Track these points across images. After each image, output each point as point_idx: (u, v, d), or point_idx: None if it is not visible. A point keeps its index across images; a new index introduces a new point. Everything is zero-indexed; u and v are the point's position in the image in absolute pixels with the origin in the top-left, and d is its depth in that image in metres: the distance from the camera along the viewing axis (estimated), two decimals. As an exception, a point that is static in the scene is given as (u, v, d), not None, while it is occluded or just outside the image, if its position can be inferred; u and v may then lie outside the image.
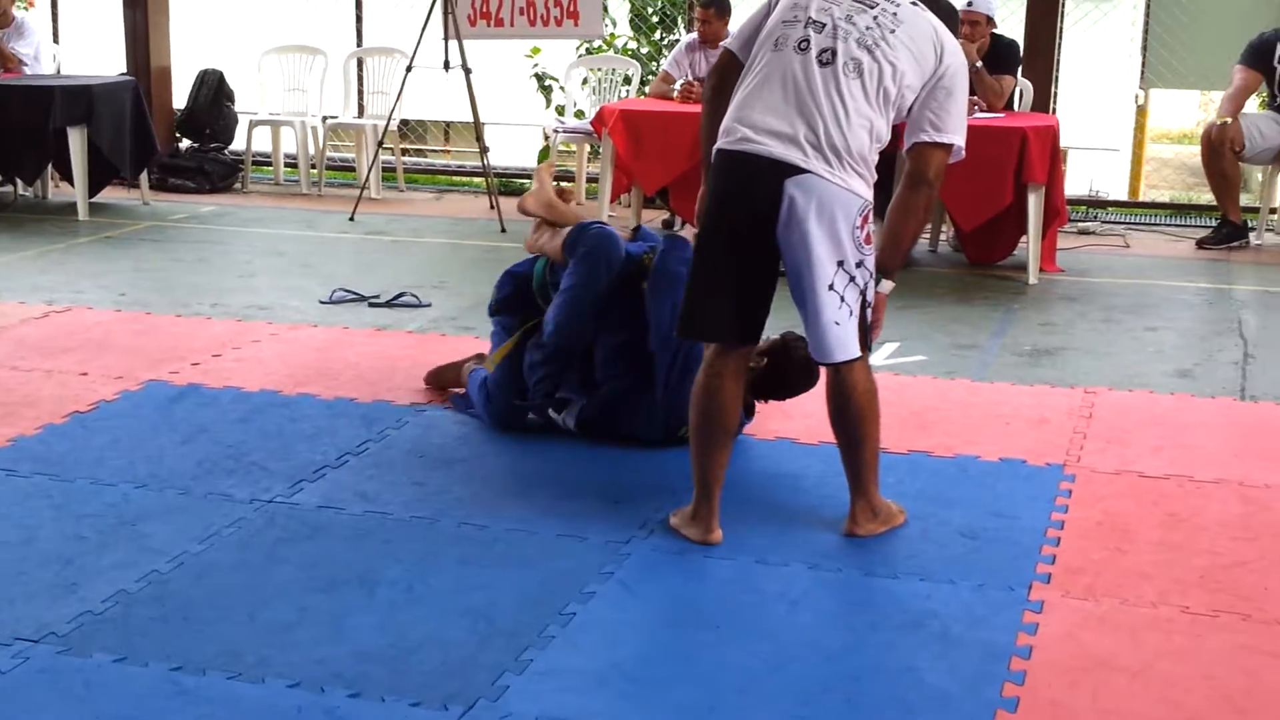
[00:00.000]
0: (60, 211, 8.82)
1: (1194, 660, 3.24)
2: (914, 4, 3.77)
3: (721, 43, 3.96)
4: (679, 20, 10.42)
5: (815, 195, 3.62)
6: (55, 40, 10.86)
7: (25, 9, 10.99)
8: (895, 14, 3.71)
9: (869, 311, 3.79)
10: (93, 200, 8.76)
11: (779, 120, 3.66)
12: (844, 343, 3.74)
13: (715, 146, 3.78)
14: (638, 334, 4.57)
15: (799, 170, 3.63)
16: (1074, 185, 9.37)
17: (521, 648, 3.22)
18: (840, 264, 3.67)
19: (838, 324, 3.70)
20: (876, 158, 3.75)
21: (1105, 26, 12.65)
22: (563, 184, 5.09)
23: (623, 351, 4.62)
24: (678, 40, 9.69)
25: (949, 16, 3.94)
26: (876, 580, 3.66)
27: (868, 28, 3.68)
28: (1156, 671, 3.18)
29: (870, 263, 3.74)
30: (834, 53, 3.66)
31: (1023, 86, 8.24)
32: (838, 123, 3.64)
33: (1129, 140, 11.31)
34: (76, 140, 8.53)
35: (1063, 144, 8.01)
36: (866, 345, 3.82)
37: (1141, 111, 11.02)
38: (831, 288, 3.67)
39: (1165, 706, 3.03)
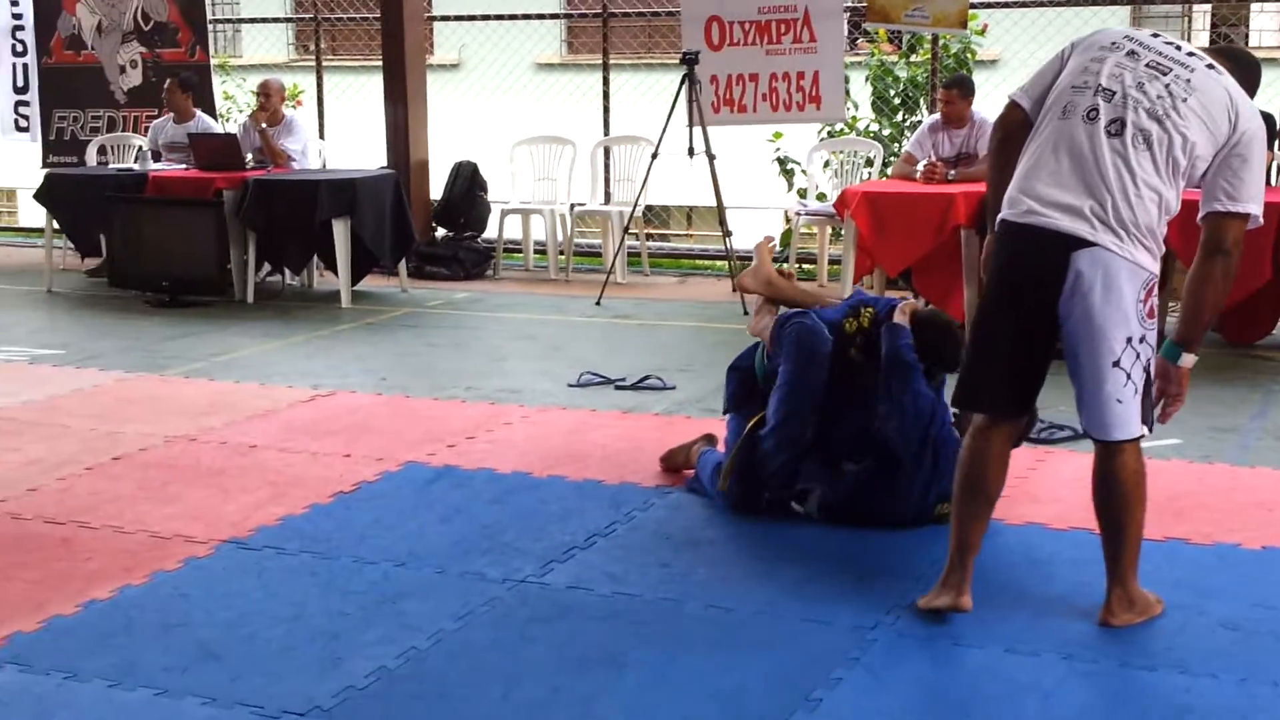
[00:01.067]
0: (325, 299, 9.26)
1: None
2: (1210, 66, 3.67)
3: (1009, 95, 3.90)
4: (921, 102, 10.41)
5: (1101, 268, 3.57)
6: (321, 136, 11.42)
7: (294, 108, 11.60)
8: (1189, 81, 3.62)
9: (1153, 387, 3.70)
10: (355, 288, 9.18)
11: (1065, 193, 3.62)
12: (1125, 421, 3.66)
13: (1000, 217, 3.76)
14: (865, 414, 4.54)
15: (1086, 243, 3.58)
16: (1339, 260, 8.97)
17: (769, 732, 3.23)
18: (1129, 340, 3.60)
19: (1120, 401, 3.64)
20: (1165, 230, 3.68)
21: (1371, 95, 12.15)
22: (783, 265, 5.08)
23: (858, 435, 4.58)
24: (920, 122, 9.68)
25: (1250, 70, 3.82)
26: (1133, 673, 3.56)
27: (1159, 96, 3.60)
28: None
29: (1152, 337, 3.66)
30: (1123, 123, 3.60)
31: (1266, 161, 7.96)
32: (1125, 196, 3.58)
33: (1399, 213, 10.84)
34: (341, 232, 8.95)
35: (1326, 218, 7.70)
36: (1150, 423, 3.73)
37: None
38: (1117, 364, 3.60)
39: None
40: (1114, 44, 3.72)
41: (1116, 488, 3.74)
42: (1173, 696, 3.42)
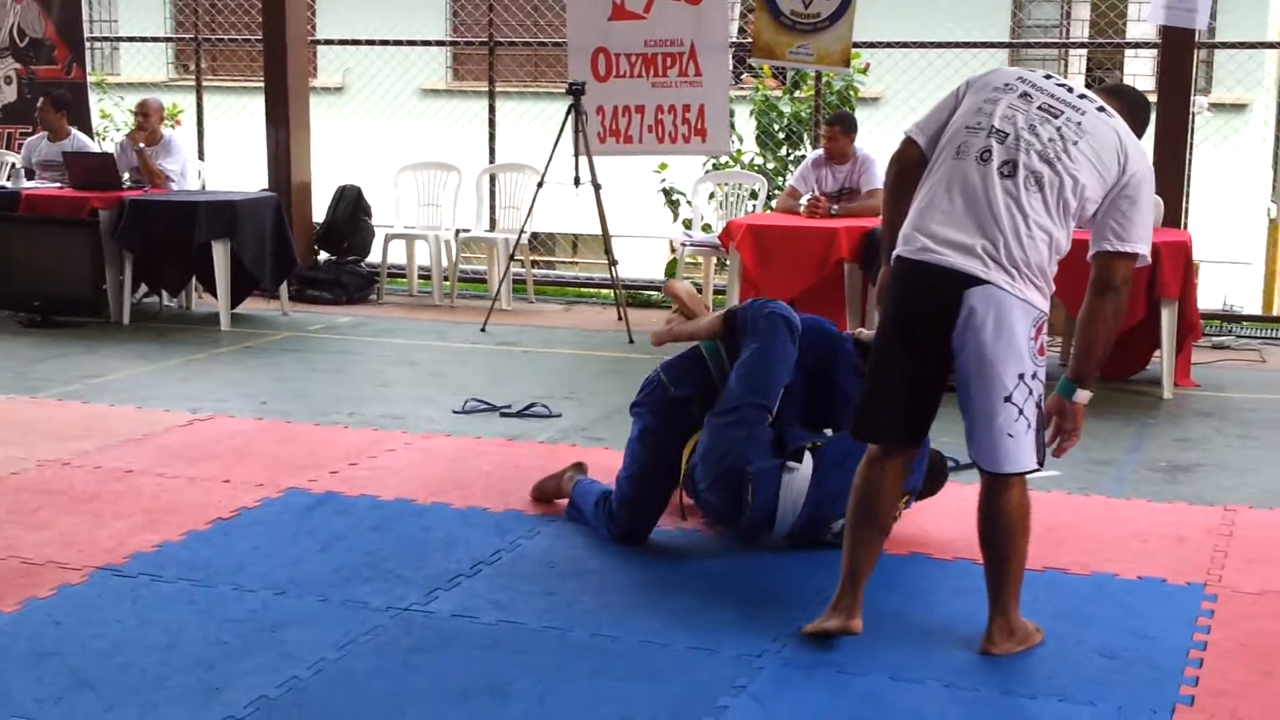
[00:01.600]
0: (203, 322, 9.10)
1: (1347, 790, 3.15)
2: (1101, 109, 3.75)
3: (905, 130, 3.94)
4: (805, 137, 10.53)
5: (994, 305, 3.63)
6: (201, 157, 11.24)
7: (173, 127, 11.40)
8: (1080, 124, 3.70)
9: (1049, 423, 3.77)
10: (234, 311, 9.03)
11: (958, 232, 3.67)
12: (1015, 455, 3.71)
13: (895, 253, 3.81)
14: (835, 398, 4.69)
15: (979, 281, 3.63)
16: (1207, 300, 9.25)
17: (656, 761, 3.22)
18: (1021, 376, 3.66)
19: (1011, 435, 3.69)
20: (1056, 269, 3.74)
21: (1236, 142, 12.56)
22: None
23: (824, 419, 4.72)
24: (803, 156, 9.79)
25: (1140, 110, 3.92)
26: (1014, 700, 3.61)
27: (1050, 139, 3.67)
28: (1308, 801, 3.09)
29: (1043, 373, 3.73)
30: (1015, 165, 3.66)
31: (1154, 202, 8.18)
32: (1017, 236, 3.64)
33: (1262, 254, 11.16)
34: (220, 254, 8.81)
35: (1195, 258, 7.91)
36: (1042, 458, 3.79)
37: (1274, 225, 10.89)
38: (1009, 399, 3.66)
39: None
40: (1007, 85, 3.79)
41: (1002, 520, 3.80)
42: (1053, 724, 3.47)
